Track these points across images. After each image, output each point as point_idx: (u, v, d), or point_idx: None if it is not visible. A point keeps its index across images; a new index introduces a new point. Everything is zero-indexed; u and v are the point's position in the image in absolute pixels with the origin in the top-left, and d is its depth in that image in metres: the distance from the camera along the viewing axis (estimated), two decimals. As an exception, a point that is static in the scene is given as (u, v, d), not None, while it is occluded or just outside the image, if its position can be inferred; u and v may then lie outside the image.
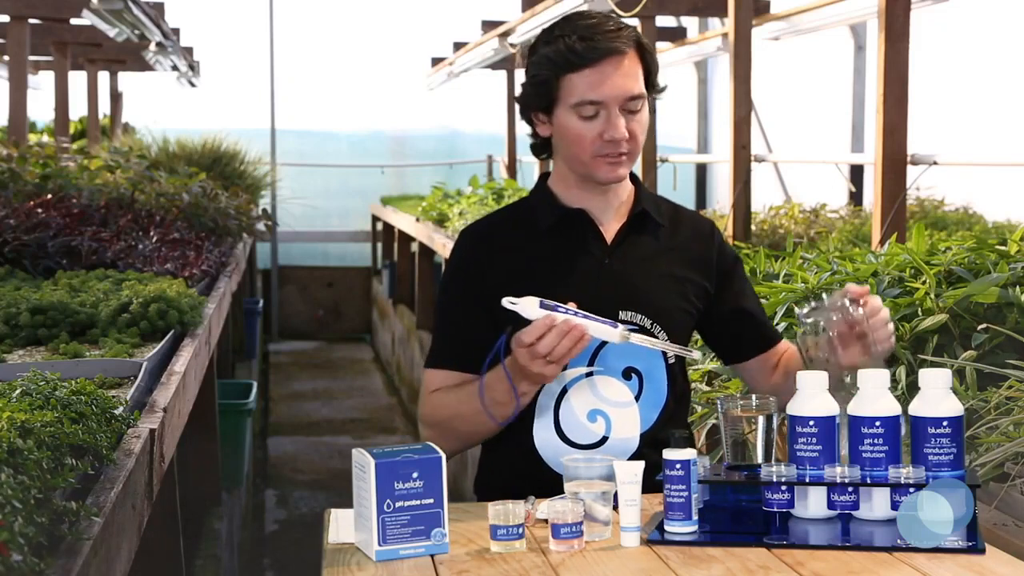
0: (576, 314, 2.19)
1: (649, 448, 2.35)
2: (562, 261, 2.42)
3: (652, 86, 2.41)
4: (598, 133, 2.35)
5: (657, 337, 2.40)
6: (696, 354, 2.27)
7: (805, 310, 2.27)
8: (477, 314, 2.42)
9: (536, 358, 2.18)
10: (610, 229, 2.46)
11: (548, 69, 2.37)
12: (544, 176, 2.53)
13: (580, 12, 2.42)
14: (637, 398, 2.40)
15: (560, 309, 2.19)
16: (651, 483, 2.10)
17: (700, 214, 2.62)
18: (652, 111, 2.48)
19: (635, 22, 7.24)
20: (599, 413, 2.38)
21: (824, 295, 2.32)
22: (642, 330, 2.39)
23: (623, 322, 2.38)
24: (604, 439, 2.38)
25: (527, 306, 2.19)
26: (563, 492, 2.11)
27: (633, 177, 2.51)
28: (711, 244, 2.53)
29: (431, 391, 2.43)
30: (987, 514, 2.31)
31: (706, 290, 2.49)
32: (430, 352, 2.47)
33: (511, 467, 2.43)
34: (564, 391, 2.38)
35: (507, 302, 2.20)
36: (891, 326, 2.27)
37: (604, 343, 2.36)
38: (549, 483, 2.27)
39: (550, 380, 2.26)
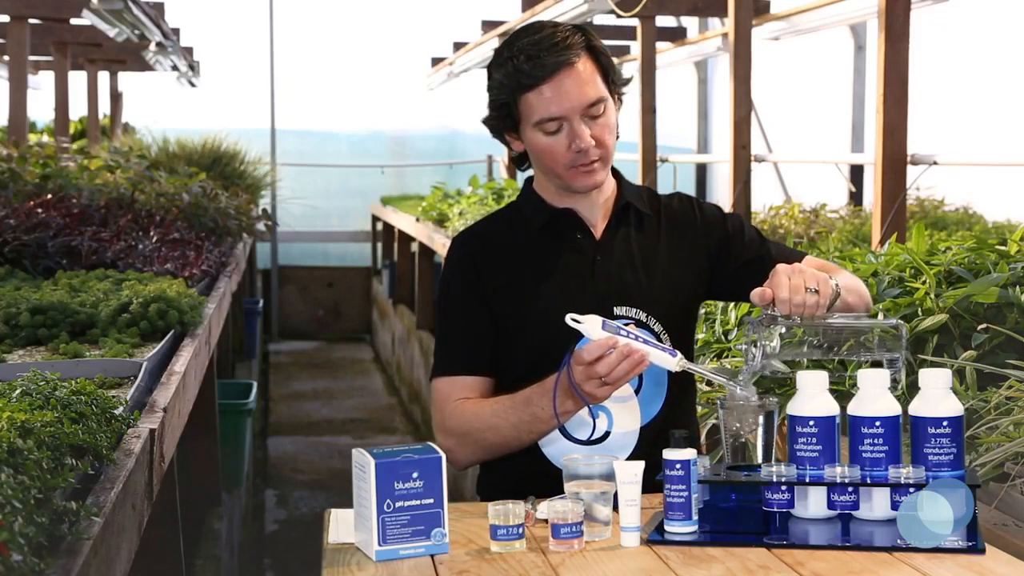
0: (637, 338, 2.19)
1: (650, 442, 2.35)
2: (554, 261, 2.43)
3: (613, 83, 2.40)
4: (566, 146, 2.36)
5: (653, 330, 2.40)
6: (740, 390, 2.24)
7: (745, 375, 2.21)
8: (479, 315, 2.42)
9: (592, 378, 2.18)
10: (599, 226, 2.48)
11: (504, 92, 2.39)
12: (529, 180, 2.54)
13: (526, 27, 2.40)
14: (637, 392, 2.40)
15: (623, 332, 2.18)
16: (651, 482, 2.10)
17: (679, 192, 2.61)
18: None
19: (635, 22, 7.24)
20: (600, 408, 2.38)
21: (742, 342, 2.24)
22: (638, 324, 2.39)
23: (618, 317, 2.38)
24: (606, 434, 2.39)
25: (590, 326, 2.18)
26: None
27: (614, 172, 2.52)
28: (693, 219, 2.52)
29: (453, 400, 2.41)
30: (987, 514, 2.31)
31: (703, 268, 2.49)
32: (438, 360, 2.46)
33: (514, 465, 2.43)
34: None
35: (570, 319, 2.19)
36: (804, 293, 2.16)
37: None
38: (552, 480, 2.27)
39: (599, 402, 2.26)
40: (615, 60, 2.47)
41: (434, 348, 2.49)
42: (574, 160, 2.37)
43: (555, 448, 2.38)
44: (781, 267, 2.22)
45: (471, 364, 2.41)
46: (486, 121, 2.47)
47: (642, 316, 2.41)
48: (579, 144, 2.34)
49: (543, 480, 2.31)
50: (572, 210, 2.46)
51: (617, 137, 2.45)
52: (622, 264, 2.44)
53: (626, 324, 2.25)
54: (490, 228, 2.53)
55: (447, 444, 2.39)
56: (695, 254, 2.49)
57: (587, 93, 2.34)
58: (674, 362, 2.20)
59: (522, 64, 2.34)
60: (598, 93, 2.35)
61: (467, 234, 2.54)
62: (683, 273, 2.48)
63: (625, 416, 2.40)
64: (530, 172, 2.56)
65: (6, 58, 8.32)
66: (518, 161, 2.52)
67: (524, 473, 2.38)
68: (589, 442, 2.38)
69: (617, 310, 2.40)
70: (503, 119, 2.42)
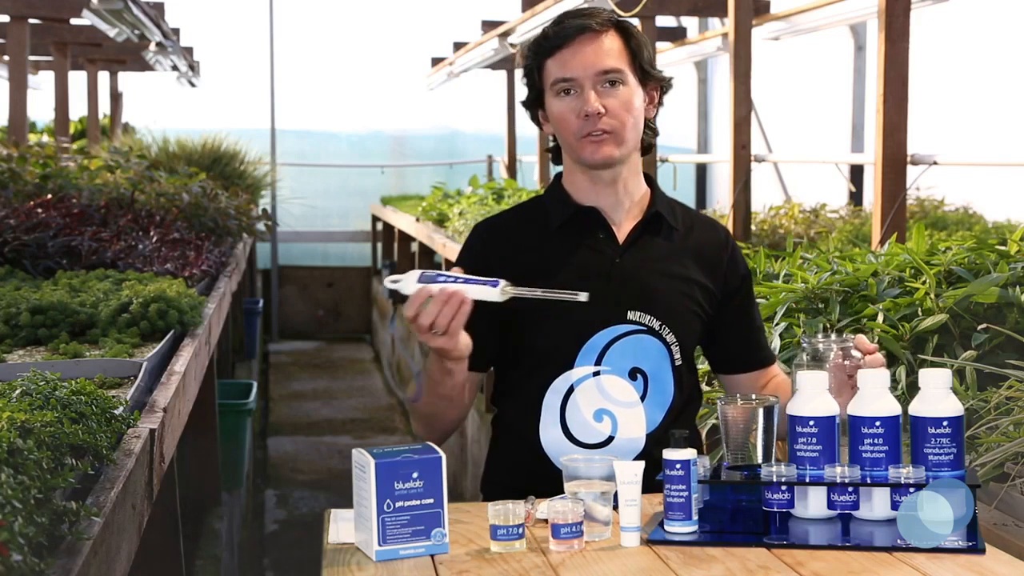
0: (456, 280, 2.17)
1: (655, 448, 2.34)
2: (573, 259, 2.42)
3: (645, 72, 2.39)
4: (576, 112, 2.35)
5: (666, 339, 2.40)
6: (583, 296, 2.21)
7: (808, 338, 2.27)
8: (479, 311, 2.42)
9: (423, 332, 2.18)
10: (623, 228, 2.45)
11: (530, 58, 2.42)
12: (559, 175, 2.53)
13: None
14: (643, 398, 2.40)
15: (440, 278, 2.17)
16: (654, 483, 2.10)
17: (718, 221, 2.61)
18: (661, 104, 2.47)
19: (635, 22, 7.24)
20: (605, 413, 2.38)
21: (832, 333, 2.32)
22: (650, 331, 2.39)
23: (631, 322, 2.37)
24: (610, 439, 2.38)
25: (406, 283, 2.18)
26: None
27: (649, 180, 2.51)
28: (724, 251, 2.51)
29: None
30: (987, 514, 2.32)
31: (714, 295, 2.48)
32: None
33: (518, 466, 2.43)
34: (571, 390, 2.38)
35: (388, 281, 2.19)
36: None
37: (611, 342, 2.37)
38: (555, 482, 2.27)
39: (454, 354, 2.24)
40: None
41: None
42: (582, 128, 2.36)
43: (559, 450, 2.37)
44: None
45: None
46: (524, 102, 2.48)
47: (655, 324, 2.40)
48: (586, 108, 2.34)
49: (546, 481, 2.30)
50: (596, 209, 2.45)
51: (655, 135, 2.46)
52: (642, 269, 2.42)
53: (446, 273, 2.21)
54: (511, 220, 2.52)
55: (416, 428, 2.45)
56: (714, 279, 2.48)
57: (601, 60, 2.34)
58: (496, 292, 2.18)
59: (548, 29, 2.38)
60: (614, 64, 2.35)
61: (487, 224, 2.53)
62: (700, 290, 2.46)
63: (631, 422, 2.39)
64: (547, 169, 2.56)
65: (6, 58, 8.32)
66: (554, 153, 2.51)
67: (528, 474, 2.38)
68: (594, 447, 2.37)
69: (631, 314, 2.39)
70: (529, 88, 2.44)
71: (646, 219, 2.46)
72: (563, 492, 2.13)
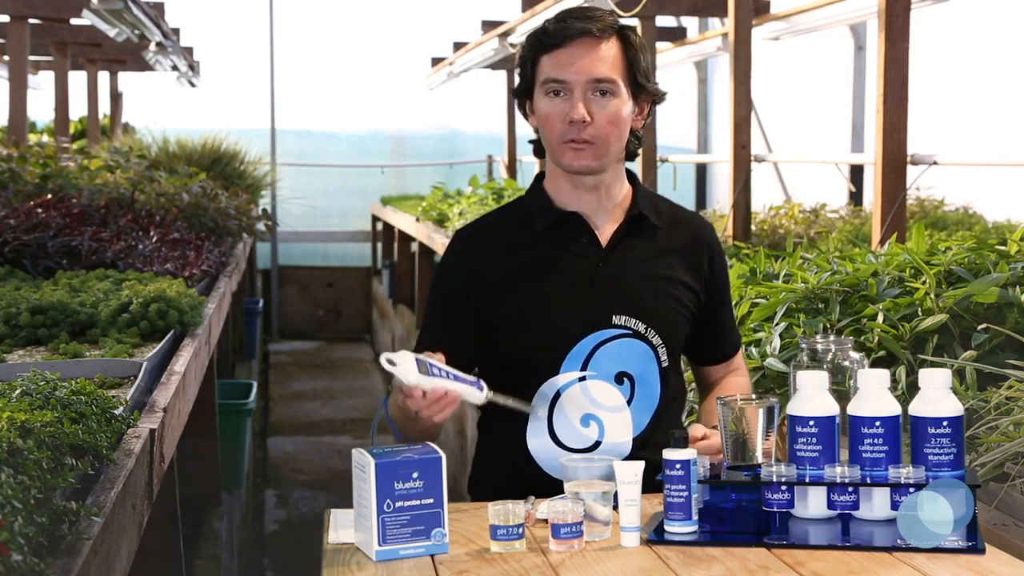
0: (448, 375, 2.16)
1: (642, 451, 2.34)
2: (556, 264, 2.40)
3: (638, 84, 2.37)
4: (562, 116, 2.33)
5: (652, 342, 2.39)
6: (542, 412, 2.29)
7: (806, 339, 2.27)
8: (459, 318, 2.40)
9: (408, 416, 2.19)
10: (605, 231, 2.44)
11: (527, 51, 2.40)
12: (539, 176, 2.51)
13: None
14: (629, 402, 2.39)
15: (435, 370, 2.15)
16: (650, 483, 2.10)
17: (702, 217, 2.59)
18: (651, 115, 2.46)
19: (635, 22, 7.24)
20: (592, 418, 2.37)
21: (832, 333, 2.33)
22: (636, 334, 2.38)
23: (616, 327, 2.37)
24: (597, 443, 2.37)
25: (404, 367, 2.13)
26: (557, 494, 2.11)
27: (632, 177, 2.50)
28: (707, 251, 2.50)
29: None
30: (987, 514, 2.32)
31: (698, 294, 2.48)
32: (415, 349, 2.46)
33: (505, 470, 2.42)
34: (557, 395, 2.37)
35: (385, 361, 2.15)
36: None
37: (597, 347, 2.36)
38: (543, 486, 2.27)
39: (433, 430, 2.26)
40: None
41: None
42: (565, 133, 2.34)
43: (546, 455, 2.37)
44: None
45: None
46: (514, 90, 2.47)
47: (641, 328, 2.39)
48: (572, 114, 2.32)
49: (534, 484, 2.30)
50: (579, 213, 2.43)
51: (640, 144, 2.44)
52: (626, 273, 2.41)
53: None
54: (492, 226, 2.50)
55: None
56: (697, 277, 2.48)
57: (596, 68, 2.32)
58: (481, 396, 2.18)
59: (549, 25, 2.36)
60: (608, 74, 2.32)
61: (468, 231, 2.50)
62: (684, 289, 2.45)
63: (617, 427, 2.38)
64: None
65: (6, 58, 8.33)
66: (536, 147, 2.49)
67: (515, 478, 2.37)
68: (581, 451, 2.36)
69: (616, 319, 2.38)
70: (522, 80, 2.42)
71: (628, 221, 2.44)
72: (549, 492, 2.13)
